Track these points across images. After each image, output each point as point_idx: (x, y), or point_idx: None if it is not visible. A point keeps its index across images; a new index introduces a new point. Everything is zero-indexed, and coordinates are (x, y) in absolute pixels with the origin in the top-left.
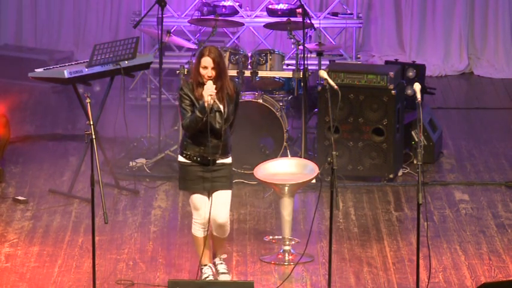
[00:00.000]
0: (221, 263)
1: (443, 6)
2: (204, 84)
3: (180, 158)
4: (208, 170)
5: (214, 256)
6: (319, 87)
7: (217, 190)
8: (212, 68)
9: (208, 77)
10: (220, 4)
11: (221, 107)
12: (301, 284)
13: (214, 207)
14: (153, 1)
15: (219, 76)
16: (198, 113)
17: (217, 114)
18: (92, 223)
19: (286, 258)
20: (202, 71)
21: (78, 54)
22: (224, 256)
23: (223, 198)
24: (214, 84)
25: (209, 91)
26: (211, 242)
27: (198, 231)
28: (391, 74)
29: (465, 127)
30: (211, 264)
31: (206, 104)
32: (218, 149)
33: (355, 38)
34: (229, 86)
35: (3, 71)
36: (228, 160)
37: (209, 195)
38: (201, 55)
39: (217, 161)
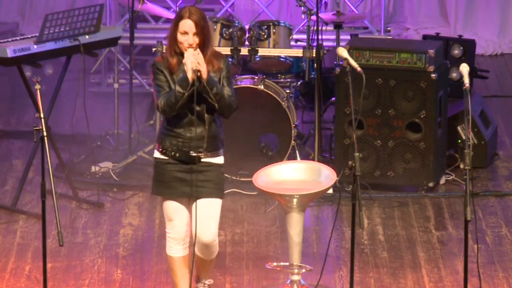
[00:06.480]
0: None
1: None
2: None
3: (156, 154)
4: (190, 170)
5: (197, 280)
6: (338, 70)
7: (201, 198)
8: (194, 34)
9: (190, 44)
10: None
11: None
12: None
13: (198, 222)
14: None
15: (204, 44)
16: (178, 88)
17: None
18: (43, 246)
19: None
20: (181, 37)
21: (24, 27)
22: (210, 282)
23: (209, 209)
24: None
25: (192, 57)
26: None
27: (172, 249)
28: (431, 52)
29: None
30: None
31: (189, 75)
32: (203, 141)
33: (383, 5)
34: (214, 58)
35: None
36: (218, 160)
37: (191, 203)
38: (180, 17)
39: (203, 159)
